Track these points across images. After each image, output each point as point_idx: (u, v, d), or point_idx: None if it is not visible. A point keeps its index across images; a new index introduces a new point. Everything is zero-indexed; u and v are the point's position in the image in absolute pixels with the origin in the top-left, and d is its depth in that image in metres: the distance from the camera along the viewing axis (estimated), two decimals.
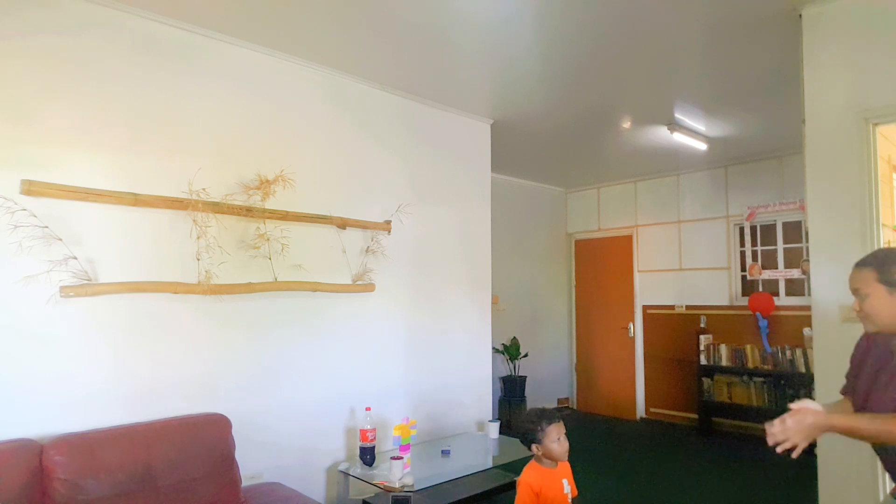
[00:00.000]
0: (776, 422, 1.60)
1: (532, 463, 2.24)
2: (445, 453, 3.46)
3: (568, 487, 2.24)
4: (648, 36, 3.07)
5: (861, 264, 1.71)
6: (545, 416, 2.22)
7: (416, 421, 3.56)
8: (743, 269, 5.85)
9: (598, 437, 5.68)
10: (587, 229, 7.16)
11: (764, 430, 1.63)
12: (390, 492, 2.76)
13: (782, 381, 5.27)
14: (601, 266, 7.00)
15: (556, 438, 2.18)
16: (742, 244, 5.87)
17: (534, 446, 2.21)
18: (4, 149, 2.33)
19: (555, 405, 6.85)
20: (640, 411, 6.48)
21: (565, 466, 2.29)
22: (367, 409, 3.30)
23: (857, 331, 2.49)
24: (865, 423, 1.62)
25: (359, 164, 3.60)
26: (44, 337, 2.39)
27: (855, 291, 1.69)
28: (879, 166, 2.60)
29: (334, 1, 2.70)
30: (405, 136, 3.91)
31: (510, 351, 6.06)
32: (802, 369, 5.12)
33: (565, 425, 2.27)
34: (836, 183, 2.61)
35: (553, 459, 2.21)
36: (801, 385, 5.08)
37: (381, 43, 3.15)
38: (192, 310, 2.81)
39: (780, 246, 5.62)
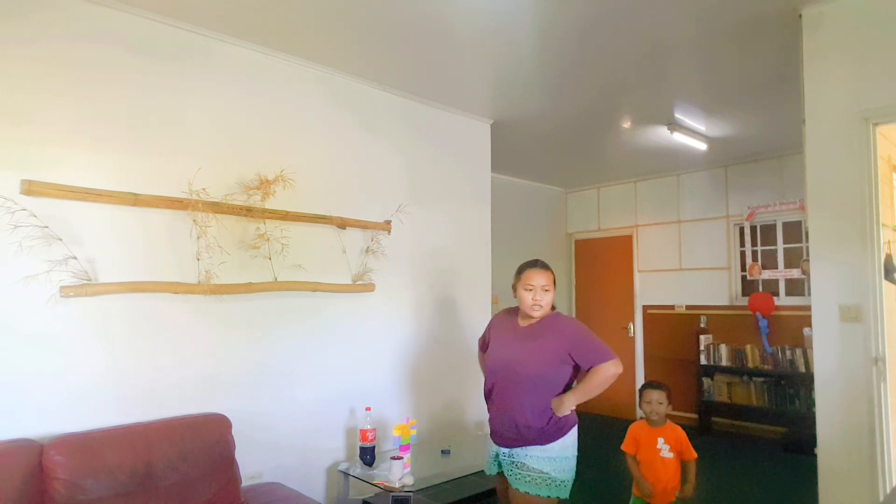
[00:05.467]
0: None
1: (643, 419, 3.00)
2: (445, 453, 3.47)
3: (666, 447, 2.82)
4: (648, 36, 3.07)
5: (545, 267, 2.44)
6: (649, 384, 3.02)
7: (416, 421, 3.56)
8: (743, 269, 5.85)
9: (598, 437, 5.67)
10: (587, 229, 7.16)
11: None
12: (390, 492, 2.76)
13: (782, 381, 5.27)
14: (601, 266, 6.99)
15: (648, 401, 2.92)
16: (742, 244, 5.87)
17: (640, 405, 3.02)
18: (4, 149, 2.33)
19: None
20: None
21: (674, 431, 2.87)
22: (367, 409, 3.30)
23: (858, 330, 2.50)
24: None
25: (359, 164, 3.60)
26: (44, 337, 2.39)
27: (543, 287, 2.38)
28: (879, 166, 2.60)
29: (334, 1, 2.70)
30: (405, 136, 3.90)
31: None
32: (802, 369, 5.12)
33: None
34: (836, 183, 2.61)
35: (648, 418, 2.93)
36: (801, 385, 5.08)
37: (381, 42, 3.15)
38: (192, 310, 2.81)
39: (780, 246, 5.63)
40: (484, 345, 2.72)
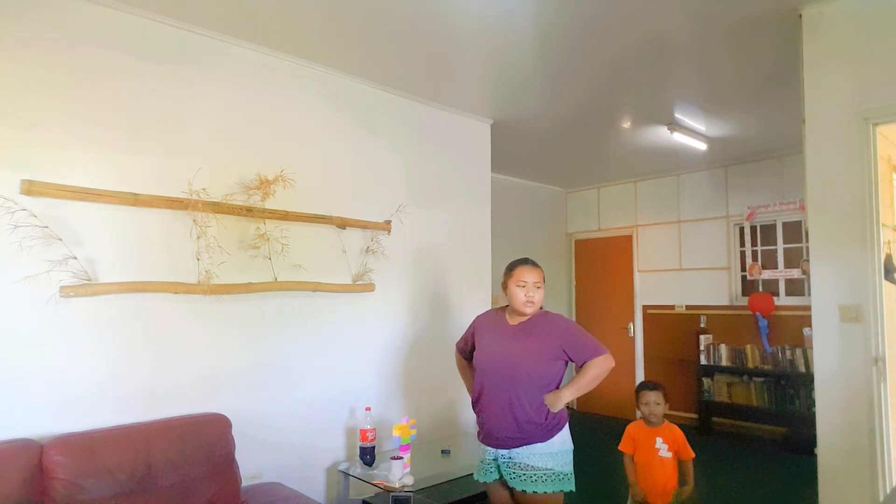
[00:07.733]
0: None
1: (641, 420, 3.00)
2: (445, 453, 3.47)
3: (665, 446, 2.82)
4: (648, 36, 3.07)
5: (536, 265, 2.46)
6: (645, 385, 3.05)
7: (416, 421, 3.56)
8: (743, 269, 5.85)
9: (598, 437, 5.67)
10: (587, 229, 7.16)
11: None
12: (390, 492, 2.76)
13: (782, 381, 5.27)
14: (601, 266, 6.99)
15: (646, 402, 2.94)
16: (742, 244, 5.87)
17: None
18: (4, 149, 2.33)
19: None
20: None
21: (672, 430, 2.88)
22: (367, 409, 3.30)
23: (858, 330, 2.50)
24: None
25: (359, 164, 3.60)
26: (44, 337, 2.39)
27: (535, 284, 2.40)
28: (879, 166, 2.60)
29: (334, 1, 2.70)
30: (405, 136, 3.90)
31: None
32: (802, 369, 5.12)
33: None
34: (836, 183, 2.61)
35: (646, 419, 2.94)
36: (801, 385, 5.08)
37: (381, 42, 3.15)
38: (192, 310, 2.81)
39: (780, 246, 5.63)
40: (466, 347, 2.69)
